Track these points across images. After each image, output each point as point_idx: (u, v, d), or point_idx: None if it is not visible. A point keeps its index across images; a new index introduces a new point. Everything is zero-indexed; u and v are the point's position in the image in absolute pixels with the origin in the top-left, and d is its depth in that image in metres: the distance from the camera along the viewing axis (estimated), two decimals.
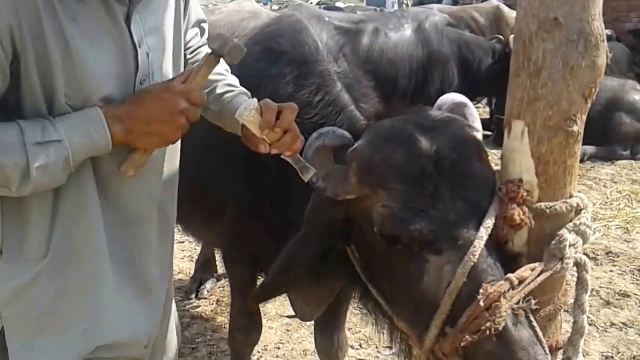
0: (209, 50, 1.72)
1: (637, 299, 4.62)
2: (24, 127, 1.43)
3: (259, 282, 2.75)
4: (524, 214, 1.64)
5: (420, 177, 1.70)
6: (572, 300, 1.77)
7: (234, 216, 2.68)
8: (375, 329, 2.06)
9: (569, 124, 1.64)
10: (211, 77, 1.83)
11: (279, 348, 4.07)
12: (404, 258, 1.71)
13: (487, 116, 9.07)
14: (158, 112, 1.58)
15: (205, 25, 2.11)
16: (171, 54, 1.80)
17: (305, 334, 4.18)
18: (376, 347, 4.04)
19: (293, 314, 3.09)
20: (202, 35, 2.11)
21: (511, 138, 1.73)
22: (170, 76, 1.77)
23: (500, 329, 1.54)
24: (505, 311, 1.54)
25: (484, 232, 1.63)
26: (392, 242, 1.72)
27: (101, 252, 1.69)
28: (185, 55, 1.99)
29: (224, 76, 2.06)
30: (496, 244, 1.68)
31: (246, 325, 3.07)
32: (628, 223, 5.99)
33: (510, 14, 8.75)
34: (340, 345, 3.24)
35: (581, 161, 4.48)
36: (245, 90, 2.03)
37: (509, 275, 1.60)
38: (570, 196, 1.71)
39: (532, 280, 1.61)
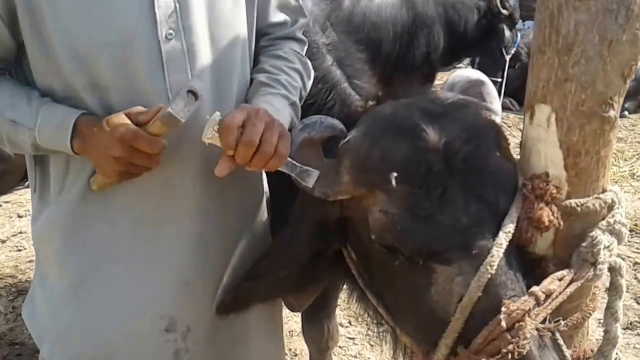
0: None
1: (631, 261, 4.49)
2: (12, 101, 1.54)
3: None
4: (553, 214, 1.41)
5: (426, 176, 1.44)
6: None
7: None
8: (377, 342, 1.84)
9: (605, 108, 1.40)
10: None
11: None
12: (407, 267, 1.48)
13: None
14: (98, 148, 1.49)
15: (298, 14, 1.88)
16: (220, 12, 1.61)
17: (290, 313, 3.92)
18: (367, 325, 3.85)
19: None
20: (292, 24, 1.87)
21: (534, 125, 1.49)
22: (220, 38, 1.64)
23: (525, 353, 1.32)
24: (530, 332, 1.33)
25: (503, 239, 1.40)
26: (391, 252, 1.48)
27: None
28: (259, 43, 1.84)
29: (278, 71, 1.78)
30: (517, 248, 1.45)
31: None
32: (616, 182, 5.86)
33: None
34: (330, 334, 3.01)
35: None
36: (289, 93, 1.75)
37: (534, 289, 1.38)
38: (604, 191, 1.49)
39: (560, 293, 1.39)
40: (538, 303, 1.35)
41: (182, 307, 1.72)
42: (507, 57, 6.83)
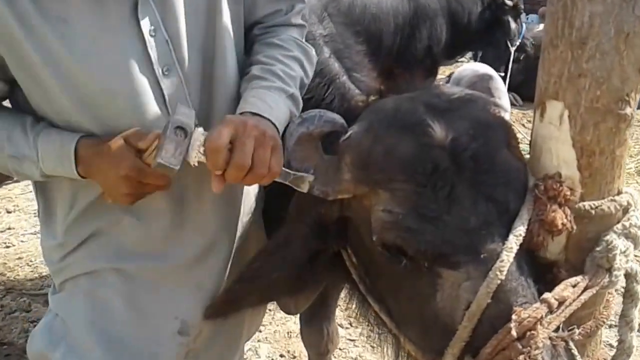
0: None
1: None
2: (8, 134, 1.50)
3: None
4: (566, 216, 1.34)
5: (432, 174, 1.36)
6: None
7: None
8: (378, 344, 1.76)
9: (621, 105, 1.33)
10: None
11: (260, 331, 3.75)
12: (410, 271, 1.40)
13: None
14: (105, 180, 1.46)
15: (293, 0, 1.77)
16: (201, 37, 1.57)
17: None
18: (368, 325, 3.78)
19: None
20: (288, 10, 1.76)
21: (545, 123, 1.41)
22: (213, 62, 1.60)
23: None
24: (542, 341, 1.26)
25: (513, 242, 1.32)
26: (395, 255, 1.40)
27: None
28: (252, 31, 1.75)
29: (274, 61, 1.67)
30: (527, 252, 1.38)
31: None
32: None
33: None
34: (330, 337, 2.91)
35: None
36: (286, 85, 1.63)
37: (546, 295, 1.30)
38: (619, 192, 1.41)
39: (573, 301, 1.32)
40: (551, 311, 1.28)
41: (194, 309, 1.71)
42: (512, 49, 6.71)
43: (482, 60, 7.94)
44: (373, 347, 3.50)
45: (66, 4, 1.38)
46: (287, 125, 1.53)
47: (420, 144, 1.40)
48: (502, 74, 7.61)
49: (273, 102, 1.53)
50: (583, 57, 1.31)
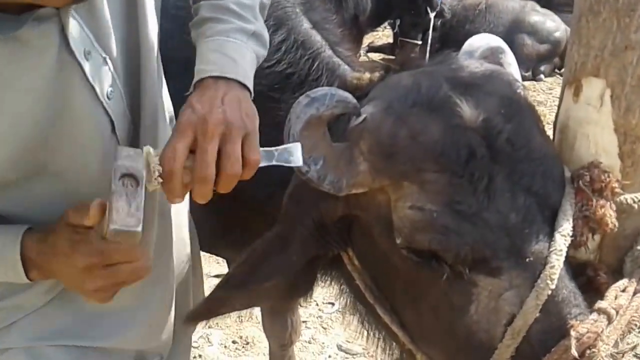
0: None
1: None
2: None
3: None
4: (614, 212, 1.16)
5: (468, 162, 1.15)
6: None
7: None
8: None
9: None
10: None
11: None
12: (439, 279, 1.18)
13: (391, 40, 8.59)
14: (69, 281, 1.22)
15: None
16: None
17: None
18: (317, 305, 3.64)
19: (222, 273, 2.53)
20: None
21: (581, 104, 1.23)
22: (149, 74, 1.35)
23: None
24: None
25: (562, 243, 1.14)
26: (425, 259, 1.18)
27: None
28: None
29: None
30: None
31: None
32: None
33: None
34: (294, 328, 2.76)
35: None
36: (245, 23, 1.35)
37: (603, 305, 1.13)
38: None
39: (627, 308, 1.15)
40: (610, 322, 1.11)
41: (149, 342, 1.54)
42: (432, 15, 6.67)
43: (400, 28, 7.84)
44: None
45: None
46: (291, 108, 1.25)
47: (450, 125, 1.18)
48: (419, 42, 7.55)
49: (235, 53, 1.27)
50: (631, 26, 1.16)
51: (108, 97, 1.26)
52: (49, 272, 1.22)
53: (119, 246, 1.11)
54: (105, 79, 1.24)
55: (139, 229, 1.06)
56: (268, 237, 1.36)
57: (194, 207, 1.90)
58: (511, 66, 1.40)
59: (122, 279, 1.17)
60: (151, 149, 1.12)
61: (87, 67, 1.19)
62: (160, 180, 1.11)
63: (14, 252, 1.19)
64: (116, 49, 1.27)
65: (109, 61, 1.25)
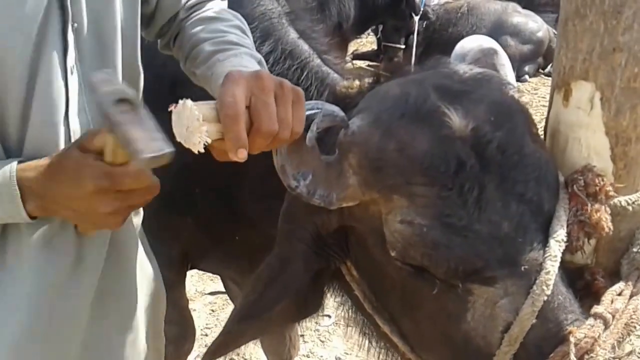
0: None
1: None
2: None
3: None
4: (609, 216, 1.16)
5: (457, 174, 1.13)
6: None
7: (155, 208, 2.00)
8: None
9: None
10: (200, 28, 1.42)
11: (206, 335, 3.46)
12: (435, 289, 1.17)
13: (375, 47, 8.62)
14: (75, 209, 1.16)
15: None
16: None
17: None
18: (314, 318, 3.57)
19: (216, 290, 2.48)
20: None
21: (571, 107, 1.23)
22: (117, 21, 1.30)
23: None
24: None
25: (556, 249, 1.12)
26: (418, 272, 1.17)
27: None
28: (176, 18, 1.52)
29: (222, 33, 1.42)
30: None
31: (177, 334, 2.38)
32: None
33: None
34: (292, 343, 2.73)
35: None
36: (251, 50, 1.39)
37: (598, 308, 1.12)
38: None
39: (623, 311, 1.14)
40: (606, 326, 1.10)
41: None
42: (416, 19, 6.71)
43: (383, 34, 7.88)
44: None
45: None
46: None
47: (438, 137, 1.16)
48: (403, 47, 7.59)
49: (253, 66, 1.28)
50: (618, 28, 1.14)
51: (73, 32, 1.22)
52: (49, 202, 1.17)
53: (126, 169, 1.09)
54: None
55: (170, 148, 1.00)
56: (270, 262, 1.35)
57: (185, 223, 1.88)
58: (504, 67, 1.39)
59: (135, 201, 1.15)
60: (189, 100, 1.02)
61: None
62: (207, 139, 1.01)
63: (8, 187, 1.15)
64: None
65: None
